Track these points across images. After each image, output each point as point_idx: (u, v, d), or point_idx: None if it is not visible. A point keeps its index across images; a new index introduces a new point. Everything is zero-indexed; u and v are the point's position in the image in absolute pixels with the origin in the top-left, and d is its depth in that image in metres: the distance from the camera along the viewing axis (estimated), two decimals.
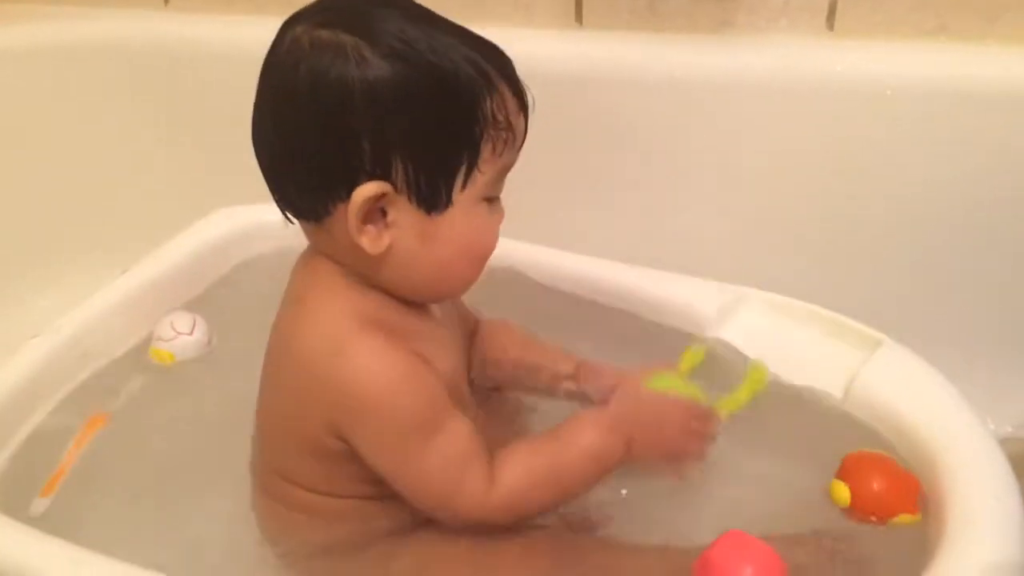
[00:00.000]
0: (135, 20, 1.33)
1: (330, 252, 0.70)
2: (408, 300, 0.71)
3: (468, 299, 0.87)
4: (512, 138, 0.67)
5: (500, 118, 0.66)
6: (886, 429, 0.75)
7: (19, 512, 0.73)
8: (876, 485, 0.70)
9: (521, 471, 0.70)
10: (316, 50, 0.63)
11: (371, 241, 0.66)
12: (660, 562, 0.72)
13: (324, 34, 0.63)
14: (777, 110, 1.07)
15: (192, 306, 0.94)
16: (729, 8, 1.10)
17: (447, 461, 0.67)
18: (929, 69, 1.03)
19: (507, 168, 0.69)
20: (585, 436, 0.72)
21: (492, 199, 0.70)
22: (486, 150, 0.66)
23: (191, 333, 0.90)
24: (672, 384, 0.78)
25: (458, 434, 0.68)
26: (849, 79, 1.05)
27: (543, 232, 0.97)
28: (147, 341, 0.91)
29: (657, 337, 0.88)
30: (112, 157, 1.35)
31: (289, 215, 0.70)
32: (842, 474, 0.72)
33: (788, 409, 0.81)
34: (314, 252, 0.72)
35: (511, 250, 0.96)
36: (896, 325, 0.82)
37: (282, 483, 0.73)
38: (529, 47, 1.16)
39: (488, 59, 0.66)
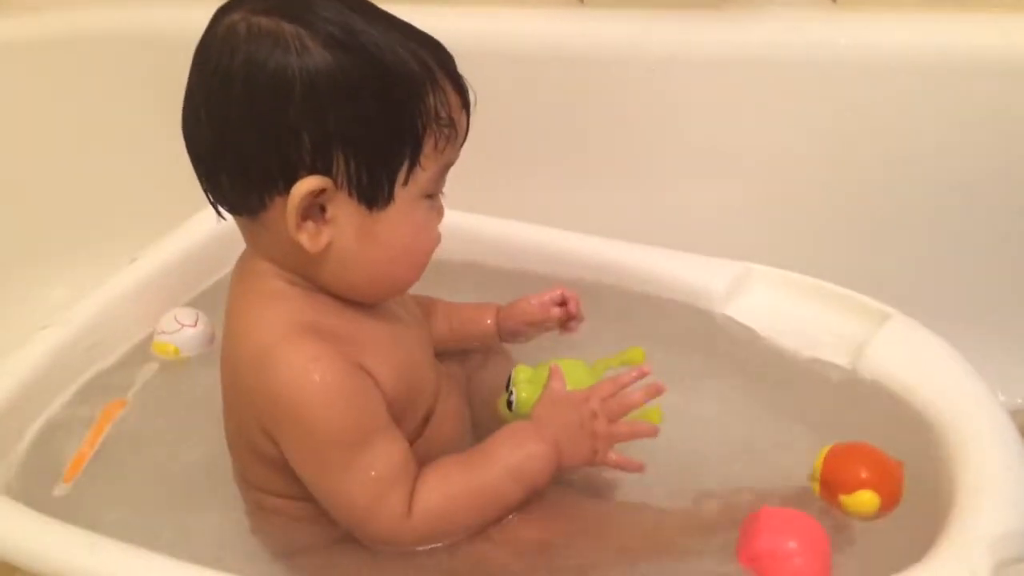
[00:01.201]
0: (141, 8, 1.33)
1: (266, 250, 0.68)
2: (350, 300, 0.69)
3: (475, 286, 0.88)
4: (454, 135, 0.66)
5: (443, 114, 0.64)
6: (896, 402, 0.74)
7: (42, 496, 0.74)
8: (892, 475, 0.67)
9: (439, 496, 0.67)
10: (255, 38, 0.60)
11: (310, 238, 0.64)
12: (659, 520, 0.72)
13: (264, 21, 0.61)
14: (780, 85, 1.07)
15: (206, 295, 0.95)
16: None
17: (369, 481, 0.65)
18: (934, 40, 1.02)
19: (448, 165, 0.68)
20: (505, 453, 0.69)
21: (432, 196, 0.68)
22: (428, 146, 0.64)
23: (195, 325, 0.90)
24: (579, 376, 0.77)
25: (386, 455, 0.66)
26: (853, 52, 1.04)
27: (545, 212, 0.98)
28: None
29: (666, 315, 0.89)
30: (121, 147, 1.35)
31: (221, 210, 0.67)
32: (847, 484, 0.67)
33: (796, 383, 0.81)
34: (250, 254, 0.70)
35: (512, 231, 0.96)
36: (905, 299, 0.82)
37: (250, 490, 0.73)
38: (531, 26, 1.17)
39: (431, 54, 0.64)
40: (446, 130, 0.65)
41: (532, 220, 0.97)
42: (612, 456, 0.70)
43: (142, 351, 0.90)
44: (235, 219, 0.68)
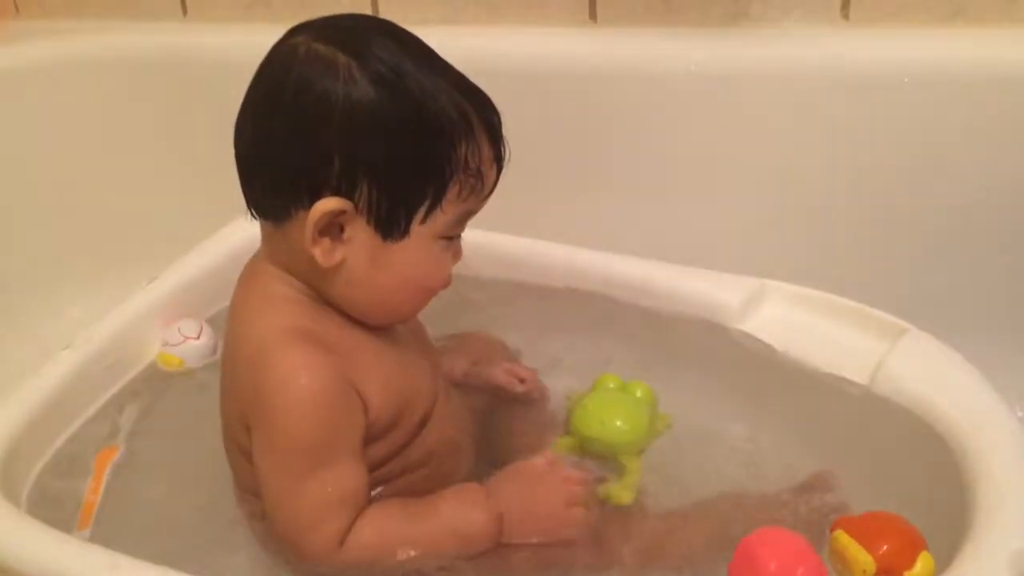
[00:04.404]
0: (155, 32, 1.35)
1: (282, 257, 0.70)
2: (352, 316, 0.71)
3: (486, 302, 0.88)
4: (480, 186, 0.68)
5: (472, 165, 0.67)
6: (913, 417, 0.74)
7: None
8: (911, 526, 0.65)
9: (374, 534, 0.68)
10: (309, 60, 0.64)
11: (324, 253, 0.66)
12: (664, 526, 0.72)
13: (321, 48, 0.65)
14: (794, 101, 1.07)
15: (224, 314, 0.95)
16: (743, 0, 1.10)
17: (321, 496, 0.66)
18: (947, 55, 1.03)
19: (470, 213, 0.70)
20: (448, 511, 0.70)
21: (451, 238, 0.70)
22: (452, 192, 0.67)
23: (198, 337, 0.91)
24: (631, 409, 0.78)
25: (344, 478, 0.67)
26: (865, 68, 1.04)
27: (560, 229, 0.98)
28: None
29: (680, 331, 0.89)
30: (137, 167, 1.36)
31: (253, 212, 0.71)
32: (905, 560, 0.63)
33: (813, 399, 0.81)
34: (262, 258, 0.73)
35: (525, 248, 0.97)
36: (920, 314, 0.81)
37: (244, 493, 0.74)
38: (544, 45, 1.18)
39: (475, 107, 0.67)
40: (472, 180, 0.67)
41: (547, 236, 0.98)
42: (570, 532, 0.70)
43: (144, 377, 0.90)
44: (260, 223, 0.71)
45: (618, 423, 0.78)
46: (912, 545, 0.63)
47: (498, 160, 0.69)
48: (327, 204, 0.65)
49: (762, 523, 0.65)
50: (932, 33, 1.04)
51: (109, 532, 0.76)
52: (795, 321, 0.85)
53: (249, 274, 0.74)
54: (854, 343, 0.81)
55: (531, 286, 0.96)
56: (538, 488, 0.71)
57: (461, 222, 0.70)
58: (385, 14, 1.20)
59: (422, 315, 0.81)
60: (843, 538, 0.64)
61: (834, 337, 0.83)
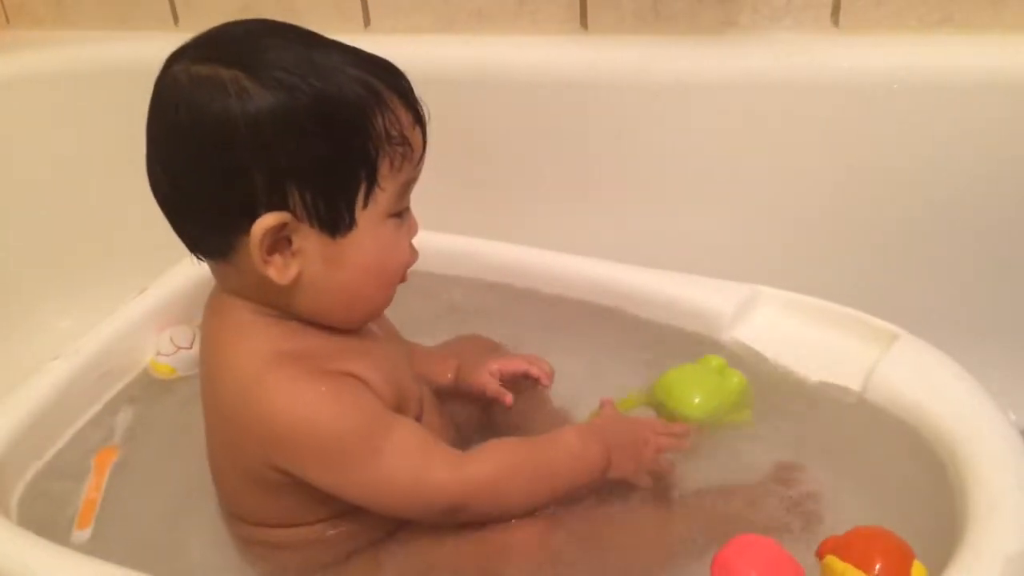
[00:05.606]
0: (146, 42, 1.34)
1: (239, 288, 0.69)
2: (328, 326, 0.70)
3: (479, 309, 0.87)
4: (410, 152, 0.66)
5: (395, 133, 0.65)
6: (906, 423, 0.74)
7: (60, 540, 0.73)
8: (896, 536, 0.63)
9: (496, 456, 0.70)
10: (194, 87, 0.62)
11: (278, 271, 0.65)
12: (655, 531, 0.74)
13: (202, 70, 0.63)
14: (784, 108, 1.07)
15: None
16: (733, 8, 1.10)
17: (405, 459, 0.67)
18: (936, 61, 1.03)
19: (409, 182, 0.68)
20: (567, 438, 0.72)
21: (400, 213, 0.69)
22: (384, 167, 0.65)
23: (190, 347, 0.91)
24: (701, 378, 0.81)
25: (404, 432, 0.68)
26: (856, 75, 1.04)
27: (551, 237, 0.98)
28: None
29: (672, 338, 0.89)
30: (129, 178, 1.35)
31: (196, 255, 0.69)
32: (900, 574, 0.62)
33: (806, 406, 0.81)
34: (220, 291, 0.71)
35: (518, 255, 0.97)
36: (912, 320, 0.82)
37: (240, 524, 0.73)
38: (535, 54, 1.18)
39: (378, 76, 0.65)
40: (400, 149, 0.66)
41: (537, 243, 0.98)
42: (647, 479, 0.75)
43: (139, 383, 0.90)
44: (208, 262, 0.70)
45: (695, 399, 0.80)
46: (904, 557, 0.62)
47: (419, 121, 0.67)
48: (265, 222, 0.63)
49: (746, 521, 0.68)
50: (922, 39, 1.05)
51: (104, 536, 0.77)
52: (788, 327, 0.85)
53: (215, 306, 0.72)
54: (847, 348, 0.81)
55: (521, 292, 0.96)
56: (637, 431, 0.75)
57: (403, 194, 0.68)
58: (376, 24, 1.19)
59: (407, 325, 0.81)
60: (837, 564, 0.62)
61: (827, 343, 0.83)
